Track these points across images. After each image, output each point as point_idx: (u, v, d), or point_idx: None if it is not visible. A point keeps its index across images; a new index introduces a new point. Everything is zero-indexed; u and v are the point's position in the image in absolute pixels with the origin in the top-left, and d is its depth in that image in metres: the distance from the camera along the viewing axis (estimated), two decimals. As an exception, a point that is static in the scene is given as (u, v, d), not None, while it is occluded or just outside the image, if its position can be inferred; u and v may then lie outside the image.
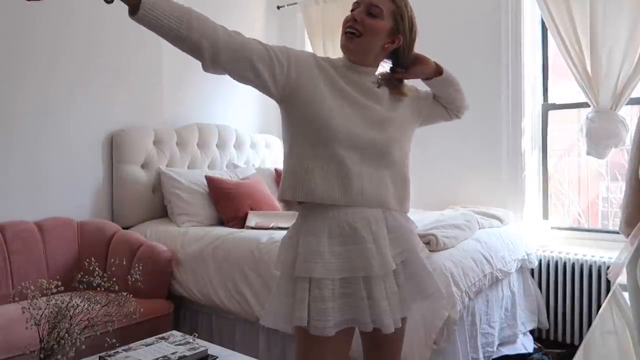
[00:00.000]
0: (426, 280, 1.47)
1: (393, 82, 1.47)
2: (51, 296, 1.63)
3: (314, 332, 1.30)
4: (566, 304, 2.92)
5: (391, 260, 1.36)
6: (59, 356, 1.60)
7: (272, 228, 2.83)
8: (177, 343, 1.90)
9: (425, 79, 1.52)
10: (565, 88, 3.18)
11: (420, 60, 1.49)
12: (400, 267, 1.41)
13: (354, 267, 1.33)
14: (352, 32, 1.38)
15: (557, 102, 3.21)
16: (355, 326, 1.38)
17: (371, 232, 1.36)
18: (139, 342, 1.92)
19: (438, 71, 1.49)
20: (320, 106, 1.34)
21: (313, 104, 1.34)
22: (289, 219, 2.74)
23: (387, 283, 1.36)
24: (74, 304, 1.64)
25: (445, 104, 1.59)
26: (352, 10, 1.41)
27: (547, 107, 3.23)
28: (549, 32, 3.00)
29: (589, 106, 2.86)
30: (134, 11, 1.14)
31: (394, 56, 1.47)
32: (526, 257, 2.87)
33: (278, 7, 4.27)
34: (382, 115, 1.41)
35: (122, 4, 1.13)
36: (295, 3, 4.11)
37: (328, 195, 1.34)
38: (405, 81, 1.51)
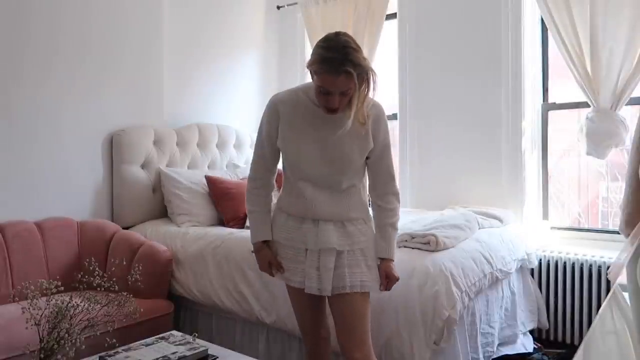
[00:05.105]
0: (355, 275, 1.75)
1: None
2: (51, 296, 1.64)
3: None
4: (566, 304, 2.92)
5: (327, 240, 1.73)
6: (59, 356, 1.60)
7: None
8: (177, 343, 1.90)
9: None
10: (565, 88, 3.18)
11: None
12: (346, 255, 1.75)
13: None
14: (333, 109, 1.65)
15: (557, 102, 3.22)
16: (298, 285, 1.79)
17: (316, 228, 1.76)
18: (139, 342, 1.92)
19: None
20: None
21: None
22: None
23: (322, 259, 1.73)
24: (74, 304, 1.65)
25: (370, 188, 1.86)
26: (323, 93, 1.61)
27: (547, 107, 3.23)
28: (549, 32, 3.00)
29: (589, 106, 2.86)
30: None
31: None
32: (526, 257, 2.86)
33: (278, 7, 4.27)
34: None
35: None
36: (295, 3, 4.11)
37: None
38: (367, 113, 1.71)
